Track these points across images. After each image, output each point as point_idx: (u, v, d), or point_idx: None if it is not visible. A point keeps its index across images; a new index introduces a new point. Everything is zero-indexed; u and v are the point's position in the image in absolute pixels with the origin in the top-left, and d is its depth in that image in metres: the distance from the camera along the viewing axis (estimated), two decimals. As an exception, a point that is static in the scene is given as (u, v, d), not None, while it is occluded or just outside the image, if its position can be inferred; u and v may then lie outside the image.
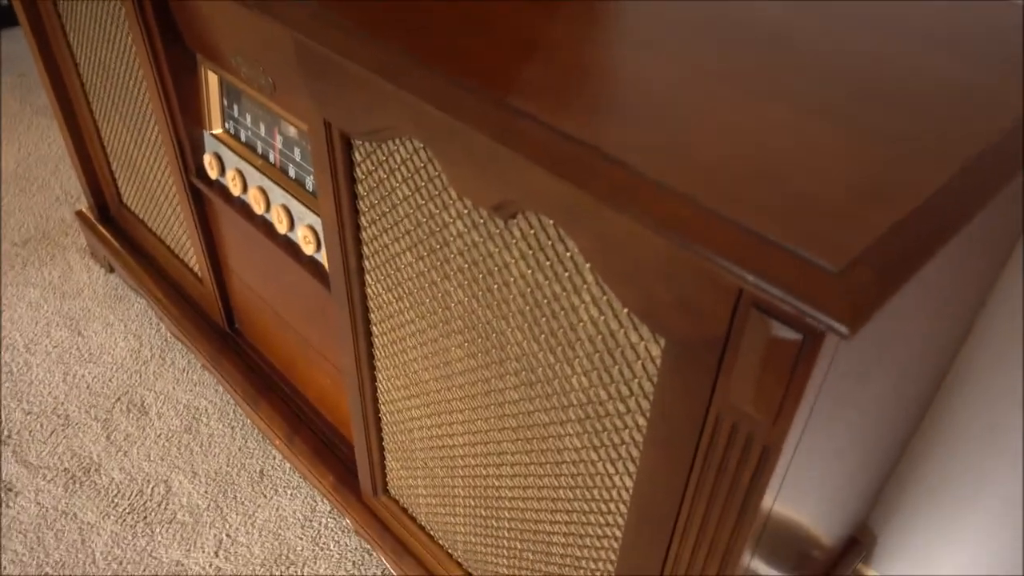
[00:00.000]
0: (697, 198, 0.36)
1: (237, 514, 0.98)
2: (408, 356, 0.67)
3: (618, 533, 0.54)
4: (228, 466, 1.03)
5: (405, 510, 0.84)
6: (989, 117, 0.43)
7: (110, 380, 1.15)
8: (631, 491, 0.51)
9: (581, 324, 0.47)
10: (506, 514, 0.67)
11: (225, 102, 0.87)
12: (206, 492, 1.00)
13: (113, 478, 1.01)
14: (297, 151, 0.78)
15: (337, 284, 0.69)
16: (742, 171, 0.38)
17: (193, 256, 1.09)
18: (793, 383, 0.36)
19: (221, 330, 1.11)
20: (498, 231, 0.50)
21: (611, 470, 0.52)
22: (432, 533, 0.82)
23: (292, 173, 0.81)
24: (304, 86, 0.57)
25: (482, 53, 0.47)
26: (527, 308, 0.51)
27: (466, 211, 0.51)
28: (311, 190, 0.78)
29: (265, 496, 1.00)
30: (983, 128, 0.42)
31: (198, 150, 0.92)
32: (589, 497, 0.55)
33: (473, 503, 0.71)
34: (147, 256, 1.22)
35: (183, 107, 0.89)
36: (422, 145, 0.52)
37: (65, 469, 1.02)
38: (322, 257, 0.79)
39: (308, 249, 0.80)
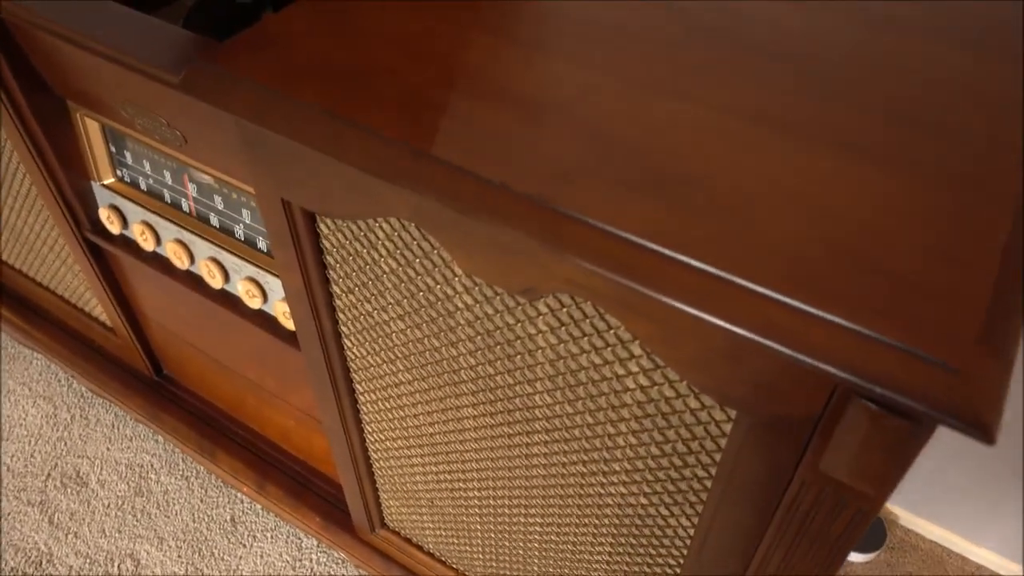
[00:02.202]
0: (782, 294, 0.34)
1: (220, 572, 0.93)
2: (405, 412, 0.63)
3: (675, 564, 0.54)
4: (195, 522, 0.97)
5: (409, 540, 0.82)
6: None
7: (32, 456, 1.04)
8: (691, 534, 0.50)
9: (628, 392, 0.45)
10: (536, 543, 0.66)
11: (113, 149, 0.76)
12: (179, 556, 0.94)
13: (71, 566, 0.93)
14: (218, 200, 0.70)
15: (310, 349, 0.64)
16: (816, 251, 0.36)
17: (98, 307, 0.98)
18: (900, 459, 0.35)
19: (149, 379, 1.01)
20: (519, 306, 0.46)
21: (665, 512, 0.51)
22: (444, 559, 0.80)
23: (215, 222, 0.72)
24: (251, 165, 0.50)
25: (492, 122, 0.42)
26: (558, 375, 0.48)
27: (475, 286, 0.47)
28: (243, 239, 0.71)
29: (244, 545, 0.95)
30: None
31: (88, 203, 0.81)
32: (638, 533, 0.55)
33: (494, 537, 0.69)
34: (36, 309, 1.09)
35: (61, 159, 0.77)
36: (414, 224, 0.47)
37: (13, 569, 0.93)
38: (271, 310, 0.73)
39: (253, 303, 0.73)
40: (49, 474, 1.02)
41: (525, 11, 0.50)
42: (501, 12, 0.50)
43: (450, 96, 0.44)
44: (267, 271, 0.70)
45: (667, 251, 0.36)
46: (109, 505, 0.99)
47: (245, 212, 0.69)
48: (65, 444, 1.05)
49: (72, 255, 0.91)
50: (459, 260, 0.45)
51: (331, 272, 0.56)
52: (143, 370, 1.01)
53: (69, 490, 1.00)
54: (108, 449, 1.05)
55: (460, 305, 0.49)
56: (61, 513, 0.98)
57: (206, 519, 0.97)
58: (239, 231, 0.71)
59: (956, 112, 0.44)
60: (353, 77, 0.45)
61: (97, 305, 0.98)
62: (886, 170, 0.40)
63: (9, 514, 0.98)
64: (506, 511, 0.64)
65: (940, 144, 0.41)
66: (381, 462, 0.73)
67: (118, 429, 1.07)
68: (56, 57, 0.66)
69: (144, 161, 0.74)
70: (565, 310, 0.44)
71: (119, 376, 1.02)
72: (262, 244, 0.70)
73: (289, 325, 0.71)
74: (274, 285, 0.70)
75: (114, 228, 0.80)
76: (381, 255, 0.51)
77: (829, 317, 0.34)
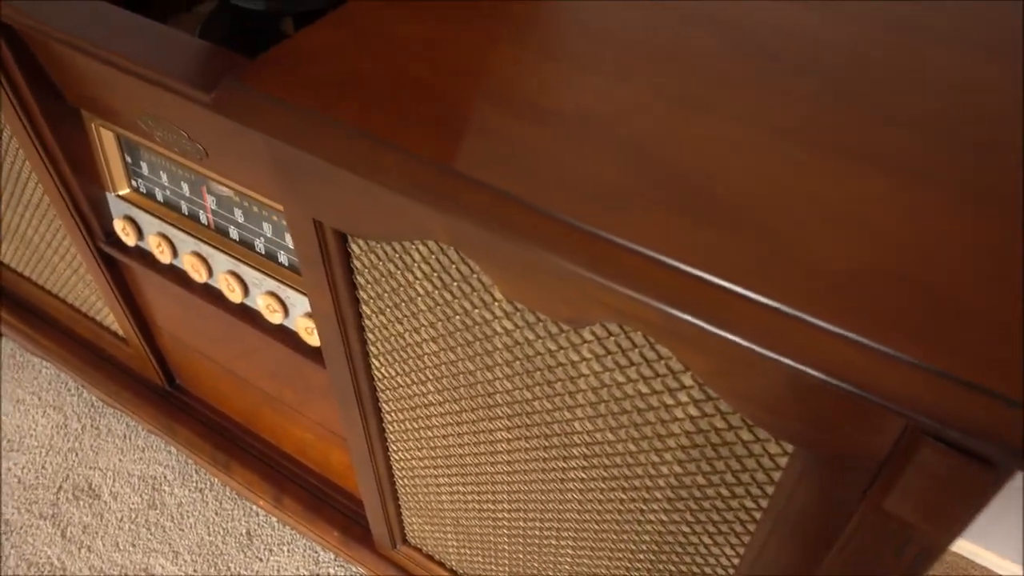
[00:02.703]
0: (847, 329, 0.33)
1: (235, 585, 0.91)
2: (433, 433, 0.62)
3: (714, 591, 0.53)
4: (210, 535, 0.96)
5: (431, 557, 0.80)
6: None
7: (43, 467, 1.02)
8: (736, 564, 0.49)
9: (676, 422, 0.44)
10: (567, 566, 0.64)
11: (128, 159, 0.75)
12: (195, 570, 0.93)
13: (85, 580, 0.92)
14: (238, 213, 0.68)
15: (337, 368, 0.62)
16: (878, 281, 0.34)
17: (109, 316, 0.97)
18: (975, 502, 0.34)
19: (161, 389, 1.00)
20: (562, 333, 0.45)
21: (708, 541, 0.50)
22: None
23: (235, 235, 0.71)
24: (281, 184, 0.49)
25: (531, 141, 0.40)
26: (601, 403, 0.47)
27: (516, 311, 0.46)
28: (264, 252, 0.69)
29: (261, 559, 0.94)
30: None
31: (103, 214, 0.80)
32: (678, 561, 0.53)
33: (522, 558, 0.68)
34: (45, 317, 1.08)
35: (75, 168, 0.76)
36: (453, 248, 0.45)
37: (25, 582, 0.92)
38: (292, 325, 0.71)
39: (274, 318, 0.71)
40: (61, 486, 1.00)
41: (554, 22, 0.49)
42: (530, 24, 0.49)
43: (486, 113, 0.42)
44: (288, 286, 0.68)
45: (725, 283, 0.35)
46: (122, 518, 0.97)
47: (266, 226, 0.67)
48: (76, 455, 1.04)
49: (84, 265, 0.89)
50: (501, 286, 0.43)
51: (361, 292, 0.54)
52: (155, 380, 1.00)
53: (81, 503, 0.99)
54: (120, 460, 1.03)
55: (499, 330, 0.48)
56: (74, 526, 0.97)
57: (221, 532, 0.96)
58: (259, 244, 0.69)
59: (992, 127, 0.42)
60: (387, 93, 0.43)
61: (108, 314, 0.97)
62: (937, 192, 0.38)
63: (21, 528, 0.96)
64: (537, 532, 0.63)
65: (985, 164, 0.40)
66: (405, 480, 0.71)
67: (130, 440, 1.05)
68: (72, 68, 0.64)
69: (161, 172, 0.72)
70: (612, 339, 0.42)
71: (131, 386, 1.00)
72: (283, 258, 0.68)
73: (311, 341, 0.70)
74: (295, 300, 0.69)
75: (129, 240, 0.79)
76: (416, 277, 0.49)
77: (900, 355, 0.32)
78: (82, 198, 0.78)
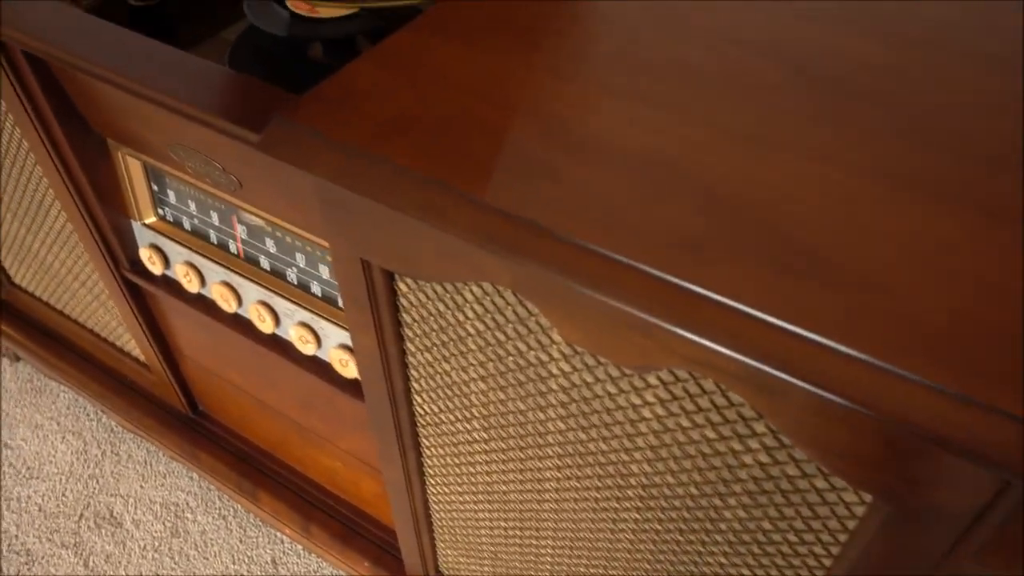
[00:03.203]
0: (946, 385, 0.31)
1: (263, 616, 0.90)
2: (476, 469, 0.60)
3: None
4: (235, 563, 0.94)
5: (465, 588, 0.79)
6: None
7: (64, 495, 1.01)
8: (802, 609, 0.48)
9: (744, 468, 0.42)
10: (611, 603, 0.63)
11: (155, 187, 0.73)
12: (221, 601, 0.91)
13: (110, 612, 0.90)
14: (270, 243, 0.67)
15: (377, 405, 0.61)
16: (967, 327, 0.33)
17: (131, 343, 0.95)
18: (1078, 563, 0.32)
19: (184, 416, 0.98)
20: (625, 377, 0.43)
21: (770, 586, 0.48)
22: (503, 608, 0.77)
23: (266, 265, 0.69)
24: (329, 224, 0.47)
25: (598, 183, 0.39)
26: (663, 447, 0.45)
27: (576, 355, 0.44)
28: (296, 283, 0.68)
29: (287, 588, 0.92)
30: None
31: (128, 242, 0.78)
32: (735, 603, 0.52)
33: (565, 592, 0.66)
34: (64, 342, 1.06)
35: (100, 197, 0.74)
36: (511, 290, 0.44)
37: (48, 615, 0.90)
38: (325, 356, 0.70)
39: (306, 349, 0.70)
40: (82, 514, 0.99)
41: (609, 55, 0.47)
42: (584, 56, 0.47)
43: (550, 153, 0.41)
44: (322, 316, 0.67)
45: (812, 335, 0.33)
46: (145, 547, 0.96)
47: (299, 256, 0.66)
48: (97, 482, 1.02)
49: (107, 292, 0.88)
50: (563, 330, 0.42)
51: (407, 330, 0.53)
52: (178, 406, 0.98)
53: (103, 531, 0.97)
54: (142, 487, 1.02)
55: (555, 372, 0.46)
56: (96, 556, 0.95)
57: (246, 560, 0.94)
58: (292, 274, 0.68)
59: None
60: (444, 133, 0.42)
61: (130, 340, 0.95)
62: (1015, 234, 0.37)
63: (43, 557, 0.95)
64: (583, 570, 0.61)
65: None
66: (442, 512, 0.70)
67: (151, 466, 1.04)
68: (101, 99, 0.63)
69: (189, 201, 0.71)
70: (680, 384, 0.41)
71: (153, 413, 0.99)
72: (317, 288, 0.67)
73: (345, 372, 0.68)
74: (329, 331, 0.67)
75: (156, 269, 0.77)
76: (468, 317, 0.48)
77: (1001, 410, 0.31)
78: (107, 227, 0.77)
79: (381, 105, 0.44)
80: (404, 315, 0.52)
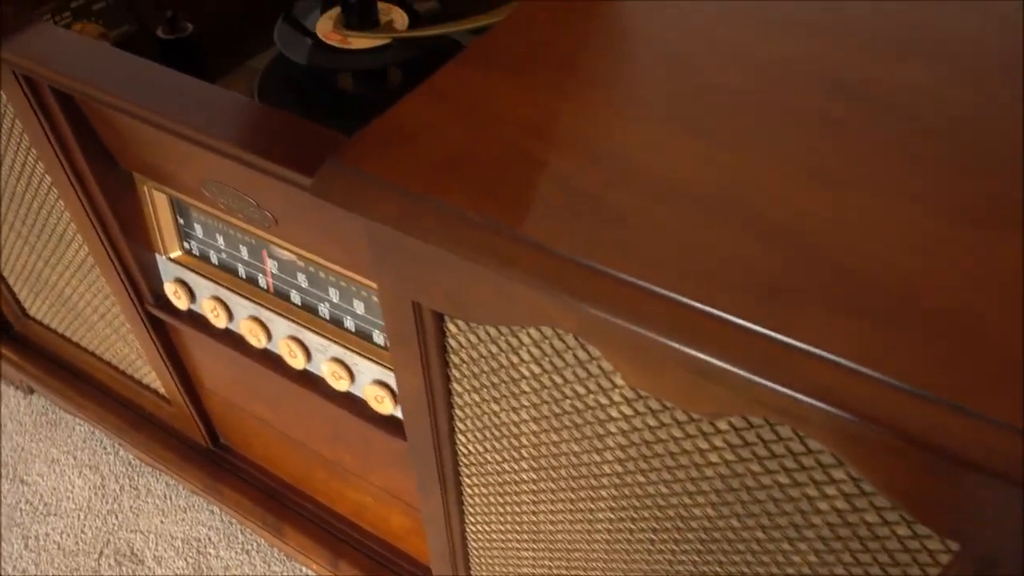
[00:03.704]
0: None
1: (290, 654, 0.88)
2: (521, 508, 0.59)
3: None
4: (260, 600, 0.92)
5: (501, 625, 0.77)
6: None
7: (83, 531, 0.99)
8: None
9: (819, 514, 0.41)
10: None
11: (181, 221, 0.72)
12: (247, 639, 0.89)
13: (133, 653, 0.88)
14: (301, 277, 0.66)
15: (420, 445, 0.59)
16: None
17: (150, 375, 0.94)
18: None
19: (205, 449, 0.97)
20: (692, 422, 0.42)
21: (839, 631, 0.47)
22: (541, 645, 0.75)
23: (296, 300, 0.68)
24: (380, 266, 0.46)
25: (666, 223, 0.38)
26: (730, 491, 0.44)
27: (639, 399, 0.43)
28: (328, 317, 0.66)
29: (314, 624, 0.90)
30: None
31: (152, 276, 0.77)
32: (798, 647, 0.50)
33: (611, 632, 0.64)
34: (80, 374, 1.04)
35: (124, 230, 0.73)
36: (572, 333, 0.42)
37: (70, 657, 0.88)
38: (359, 392, 0.68)
39: (340, 385, 0.68)
40: (102, 551, 0.97)
41: (658, 84, 0.46)
42: (634, 88, 0.46)
43: (609, 192, 0.40)
44: (356, 352, 0.65)
45: (905, 385, 0.32)
46: (168, 584, 0.94)
47: (332, 291, 0.64)
48: (116, 518, 1.00)
49: (129, 326, 0.86)
50: (627, 375, 0.41)
51: (454, 371, 0.51)
52: (199, 440, 0.96)
53: (124, 568, 0.95)
54: (162, 522, 1.00)
55: (616, 415, 0.45)
56: (118, 595, 0.93)
57: (272, 596, 0.93)
58: (324, 309, 0.66)
59: None
60: (502, 173, 0.41)
61: (150, 372, 0.94)
62: None
63: (63, 598, 0.93)
64: (632, 610, 0.60)
65: None
66: (481, 552, 0.68)
67: (171, 500, 1.02)
68: (129, 134, 0.62)
69: (217, 235, 0.70)
70: (754, 431, 0.40)
71: (173, 446, 0.97)
72: (350, 324, 0.65)
73: (380, 409, 0.67)
74: (363, 367, 0.66)
75: (181, 304, 0.76)
76: (523, 360, 0.46)
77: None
78: (131, 261, 0.75)
79: (435, 144, 0.42)
80: (453, 356, 0.50)
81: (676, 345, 0.35)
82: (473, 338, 0.48)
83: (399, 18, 0.66)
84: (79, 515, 1.00)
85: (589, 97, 0.46)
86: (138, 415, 1.00)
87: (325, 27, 0.65)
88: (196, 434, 0.96)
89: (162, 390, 0.94)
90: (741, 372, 0.34)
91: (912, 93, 0.46)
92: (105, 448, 1.08)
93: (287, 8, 0.71)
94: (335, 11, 0.66)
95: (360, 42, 0.63)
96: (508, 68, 0.48)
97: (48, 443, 1.08)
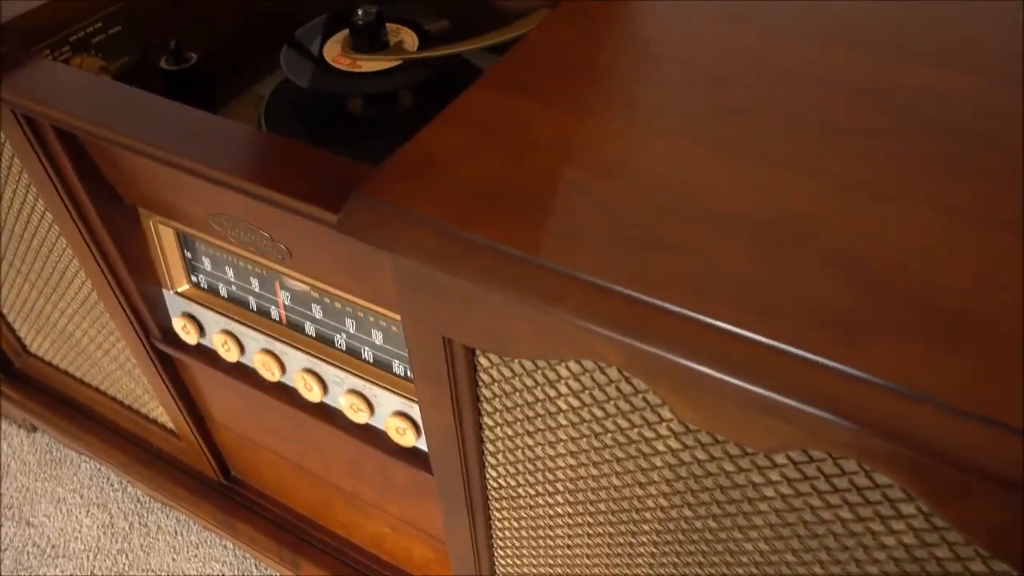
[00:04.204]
0: None
1: None
2: (555, 543, 0.56)
3: None
4: (278, 637, 0.90)
5: (532, 657, 0.75)
6: None
7: (93, 573, 0.96)
8: None
9: (884, 549, 0.39)
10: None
11: (188, 254, 0.70)
12: None
13: None
14: (316, 309, 0.64)
15: (448, 480, 0.57)
16: None
17: (157, 409, 0.91)
18: None
19: (216, 483, 0.94)
20: (747, 456, 0.40)
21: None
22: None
23: (311, 331, 0.66)
24: (408, 303, 0.44)
25: (721, 253, 0.36)
26: (787, 526, 0.42)
27: (688, 432, 0.41)
28: (345, 348, 0.64)
29: (336, 661, 0.87)
30: None
31: (159, 311, 0.74)
32: None
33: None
34: (85, 411, 1.02)
35: (129, 266, 0.71)
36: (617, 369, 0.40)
37: None
38: (379, 424, 0.66)
39: (359, 418, 0.66)
40: (113, 593, 0.94)
41: (695, 104, 0.44)
42: (669, 106, 0.45)
43: (656, 219, 0.38)
44: (375, 384, 0.63)
45: (989, 420, 0.30)
46: (183, 625, 0.91)
47: (349, 321, 0.62)
48: (127, 557, 0.97)
49: (134, 360, 0.83)
50: (678, 410, 0.39)
51: (486, 405, 0.49)
52: (210, 474, 0.94)
53: (137, 610, 0.93)
54: (174, 560, 0.97)
55: (662, 448, 0.43)
56: (131, 637, 0.90)
57: (290, 633, 0.90)
58: (340, 340, 0.64)
59: None
60: (536, 201, 0.39)
61: (157, 407, 0.91)
62: None
63: (75, 643, 0.90)
64: (674, 644, 0.58)
65: None
66: (511, 584, 0.66)
67: (182, 536, 0.99)
68: (134, 170, 0.59)
69: (226, 268, 0.67)
70: (815, 464, 0.38)
71: (183, 482, 0.95)
72: (368, 354, 0.63)
73: (402, 441, 0.65)
74: (383, 399, 0.64)
75: (190, 338, 0.74)
76: (561, 393, 0.44)
77: None
78: (136, 296, 0.73)
79: (466, 173, 0.40)
80: (484, 390, 0.48)
81: (738, 382, 0.33)
82: (507, 371, 0.46)
83: (409, 39, 0.64)
84: (88, 556, 0.98)
85: (621, 116, 0.44)
86: (146, 450, 0.98)
87: (333, 51, 0.63)
88: (206, 468, 0.93)
89: (170, 424, 0.91)
90: (809, 409, 0.32)
91: (966, 108, 0.44)
92: (112, 485, 1.05)
93: (291, 32, 0.69)
94: (342, 34, 0.64)
95: (370, 65, 0.61)
96: (533, 89, 0.46)
97: (53, 482, 1.06)
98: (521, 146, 0.42)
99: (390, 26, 0.64)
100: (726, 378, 0.33)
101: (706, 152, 0.41)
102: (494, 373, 0.47)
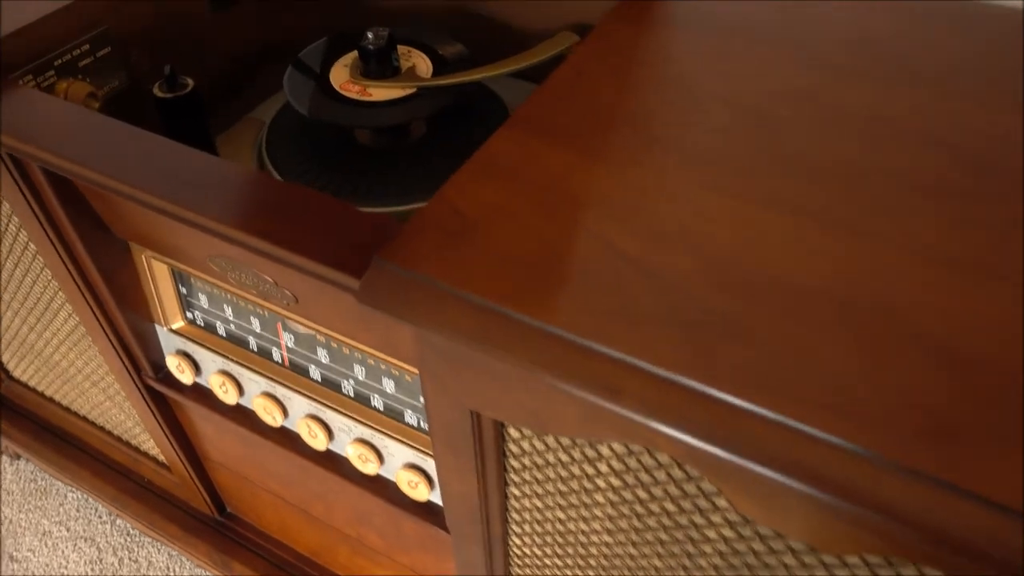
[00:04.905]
0: None
1: None
2: (583, 612, 0.53)
3: None
4: None
5: None
6: None
7: (80, 612, 0.92)
8: None
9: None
10: None
11: (183, 290, 0.65)
12: None
13: None
14: (322, 353, 0.59)
15: (467, 547, 0.53)
16: None
17: (149, 442, 0.87)
18: None
19: (211, 519, 0.90)
20: (812, 552, 0.36)
21: None
22: None
23: (316, 375, 0.61)
24: (434, 376, 0.40)
25: (794, 336, 0.32)
26: (851, 623, 0.38)
27: (746, 523, 0.37)
28: (353, 395, 0.60)
29: None
30: None
31: (151, 348, 0.70)
32: None
33: None
34: (71, 440, 0.97)
35: (119, 301, 0.66)
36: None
37: None
38: (389, 475, 0.62)
39: (367, 469, 0.62)
40: (102, 634, 0.90)
41: (750, 155, 0.40)
42: (720, 158, 0.40)
43: (723, 299, 0.34)
44: (385, 434, 0.59)
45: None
46: (176, 669, 0.87)
47: (358, 368, 0.58)
48: (116, 595, 0.93)
49: (123, 394, 0.79)
50: (739, 504, 0.35)
51: (513, 476, 0.45)
52: (204, 509, 0.89)
53: (127, 653, 0.88)
54: (166, 597, 0.93)
55: (713, 536, 0.39)
56: None
57: None
58: (347, 386, 0.60)
59: None
60: (586, 273, 0.35)
61: (148, 440, 0.87)
62: None
63: None
64: None
65: None
66: (530, 645, 0.62)
67: (173, 572, 0.95)
68: (125, 208, 0.55)
69: (224, 306, 0.63)
70: (893, 569, 0.34)
71: (175, 517, 0.90)
72: (378, 402, 0.59)
73: (414, 495, 0.60)
74: (394, 449, 0.60)
75: (186, 378, 0.69)
76: (601, 472, 0.40)
77: None
78: (127, 332, 0.68)
79: (503, 236, 0.36)
80: (513, 461, 0.44)
81: (819, 494, 0.29)
82: (540, 445, 0.42)
83: (421, 63, 0.59)
84: (75, 593, 0.93)
85: (668, 168, 0.40)
86: (136, 483, 0.93)
87: (340, 76, 0.58)
88: (200, 503, 0.89)
89: (162, 458, 0.87)
90: (896, 523, 0.28)
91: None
92: (101, 517, 1.00)
93: (289, 52, 0.64)
94: (350, 57, 0.60)
95: (381, 92, 0.57)
96: (569, 134, 0.42)
97: (39, 513, 1.01)
98: (562, 205, 0.38)
99: (401, 49, 0.60)
100: (812, 492, 0.29)
101: (767, 212, 0.37)
102: (525, 446, 0.43)
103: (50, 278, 0.70)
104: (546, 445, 0.41)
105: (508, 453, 0.44)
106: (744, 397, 0.30)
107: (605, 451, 0.39)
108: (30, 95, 0.51)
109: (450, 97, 0.56)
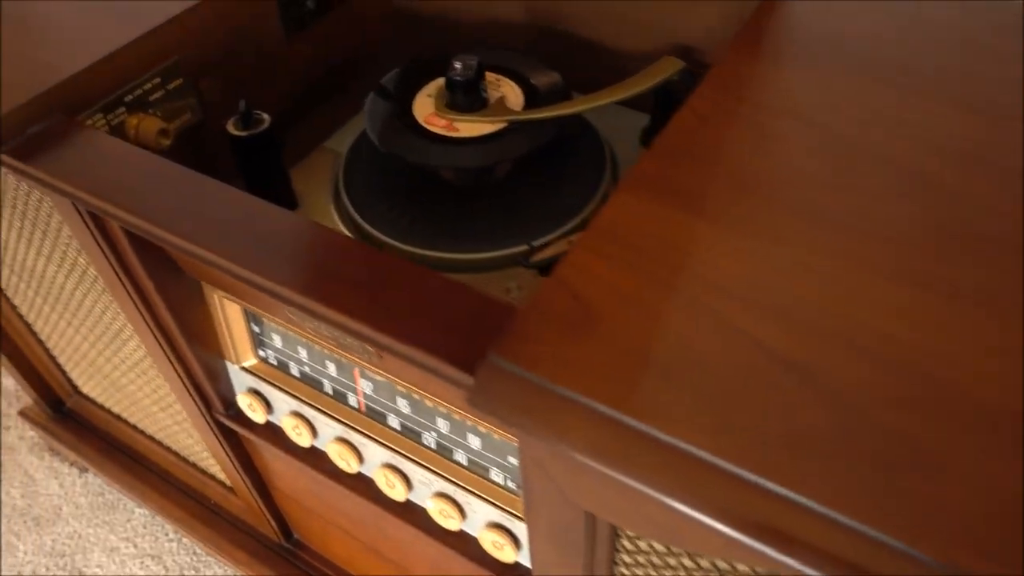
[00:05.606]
0: None
1: None
2: None
3: None
4: None
5: None
6: None
7: (148, 633, 0.91)
8: None
9: None
10: None
11: (255, 329, 0.62)
12: None
13: None
14: (402, 403, 0.55)
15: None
16: None
17: (216, 466, 0.85)
18: None
19: (277, 545, 0.88)
20: None
21: None
22: None
23: (395, 424, 0.58)
24: (544, 480, 0.35)
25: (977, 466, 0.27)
26: None
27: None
28: (435, 447, 0.56)
29: None
30: None
31: (222, 384, 0.67)
32: None
33: None
34: (138, 457, 0.96)
35: (190, 338, 0.63)
36: None
37: None
38: (472, 531, 0.58)
39: (449, 524, 0.58)
40: (170, 657, 0.89)
41: (919, 228, 0.35)
42: (886, 236, 0.35)
43: (901, 414, 0.29)
44: (469, 491, 0.55)
45: None
46: None
47: (441, 422, 0.54)
48: (183, 616, 0.92)
49: (194, 426, 0.77)
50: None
51: (624, 570, 0.41)
52: (270, 535, 0.87)
53: (195, 678, 0.87)
54: (232, 621, 0.91)
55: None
56: None
57: None
58: (429, 439, 0.56)
59: None
60: (734, 380, 0.30)
61: (216, 464, 0.85)
62: None
63: None
64: None
65: None
66: None
67: (240, 594, 0.93)
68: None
69: (299, 348, 0.60)
70: None
71: (242, 542, 0.88)
72: (461, 457, 0.55)
73: (499, 555, 0.57)
74: (477, 507, 0.56)
75: (257, 416, 0.66)
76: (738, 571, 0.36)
77: None
78: (197, 368, 0.66)
79: (635, 332, 0.32)
80: (625, 556, 0.40)
81: None
82: (661, 547, 0.37)
83: (511, 93, 0.54)
84: (143, 613, 0.92)
85: (821, 245, 0.34)
86: (202, 505, 0.92)
87: (424, 108, 0.54)
88: (266, 528, 0.87)
89: (228, 482, 0.85)
90: None
91: None
92: (167, 535, 0.99)
93: (365, 79, 0.60)
94: (434, 86, 0.55)
95: (470, 128, 0.52)
96: (700, 198, 0.37)
97: (106, 529, 1.00)
98: (701, 293, 0.33)
99: (490, 76, 0.55)
100: None
101: (952, 305, 0.32)
102: (642, 544, 0.38)
103: (118, 310, 0.68)
104: (668, 549, 0.37)
105: (622, 548, 0.40)
106: (938, 555, 0.25)
107: (742, 568, 0.35)
108: (94, 138, 0.47)
109: (548, 132, 0.51)
